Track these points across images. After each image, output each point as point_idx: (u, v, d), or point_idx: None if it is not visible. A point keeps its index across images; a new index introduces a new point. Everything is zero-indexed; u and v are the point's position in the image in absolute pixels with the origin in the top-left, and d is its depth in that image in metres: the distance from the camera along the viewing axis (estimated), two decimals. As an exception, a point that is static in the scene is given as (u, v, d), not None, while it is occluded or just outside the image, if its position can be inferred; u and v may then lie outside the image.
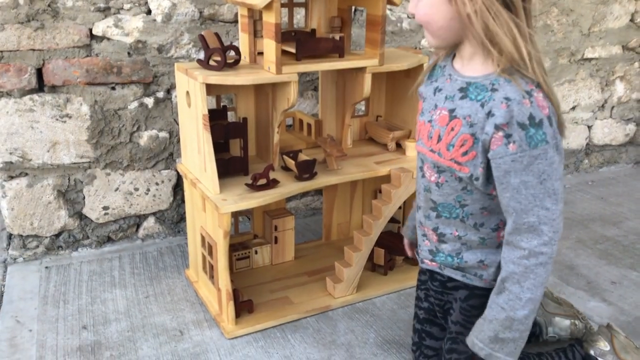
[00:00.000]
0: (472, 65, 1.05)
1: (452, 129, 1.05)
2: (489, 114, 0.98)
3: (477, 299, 1.14)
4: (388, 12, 2.02)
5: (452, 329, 1.17)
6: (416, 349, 1.29)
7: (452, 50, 1.11)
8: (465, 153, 1.03)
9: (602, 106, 2.58)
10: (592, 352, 1.29)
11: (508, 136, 0.97)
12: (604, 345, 1.32)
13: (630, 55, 2.55)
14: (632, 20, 2.48)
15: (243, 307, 1.49)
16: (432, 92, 1.12)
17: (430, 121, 1.10)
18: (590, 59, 2.47)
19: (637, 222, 2.10)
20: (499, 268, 1.09)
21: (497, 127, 0.97)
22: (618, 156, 2.70)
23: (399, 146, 1.72)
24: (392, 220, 1.74)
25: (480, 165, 1.02)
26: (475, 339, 1.08)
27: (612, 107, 2.61)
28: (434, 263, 1.19)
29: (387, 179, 1.58)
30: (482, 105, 1.00)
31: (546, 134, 0.96)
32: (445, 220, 1.13)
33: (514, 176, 0.98)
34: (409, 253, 1.43)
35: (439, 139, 1.07)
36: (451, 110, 1.05)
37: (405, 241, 1.43)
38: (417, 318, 1.29)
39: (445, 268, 1.17)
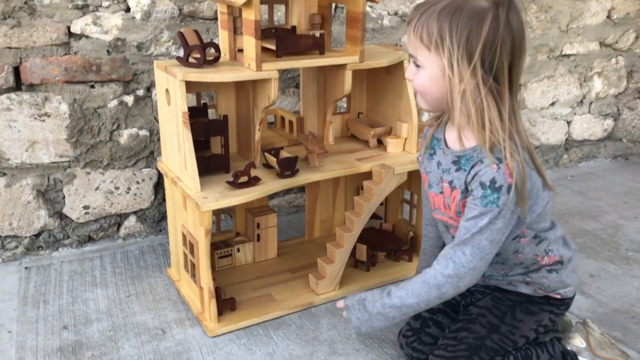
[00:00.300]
0: (463, 136, 1.13)
1: (454, 199, 1.15)
2: (475, 173, 1.09)
3: (515, 296, 1.24)
4: (368, 9, 2.03)
5: (473, 311, 1.24)
6: (412, 334, 1.30)
7: (441, 117, 1.22)
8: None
9: (581, 102, 2.62)
10: (569, 349, 1.31)
11: (470, 191, 1.10)
12: (579, 342, 1.34)
13: (607, 51, 2.58)
14: (608, 16, 2.52)
15: (225, 305, 1.49)
16: (436, 166, 1.21)
17: (441, 192, 1.20)
18: (568, 55, 2.51)
19: (615, 216, 2.13)
20: (543, 278, 1.21)
21: (468, 183, 1.10)
22: (597, 151, 2.74)
23: (380, 143, 1.73)
24: (374, 216, 1.75)
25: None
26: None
27: (591, 103, 2.64)
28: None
29: (368, 175, 1.58)
30: (469, 171, 1.11)
31: (499, 198, 1.05)
32: (490, 267, 1.18)
33: (467, 213, 1.10)
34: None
35: (449, 208, 1.18)
36: (450, 182, 1.16)
37: None
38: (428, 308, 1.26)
39: (490, 280, 1.27)
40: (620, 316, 1.51)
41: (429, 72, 1.09)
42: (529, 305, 1.23)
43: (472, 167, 1.10)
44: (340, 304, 1.22)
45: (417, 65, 1.11)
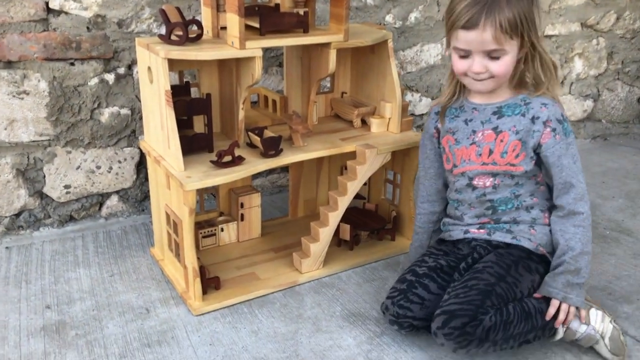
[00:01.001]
0: (494, 94, 1.33)
1: (502, 141, 1.31)
2: (533, 118, 1.28)
3: (517, 251, 1.32)
4: (352, -13, 2.01)
5: (478, 266, 1.30)
6: (398, 294, 1.33)
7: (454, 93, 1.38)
8: (517, 155, 1.30)
9: (562, 82, 2.64)
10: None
11: (553, 130, 1.27)
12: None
13: (588, 32, 2.60)
14: (591, -3, 2.53)
15: (210, 283, 1.49)
16: (464, 123, 1.36)
17: (473, 143, 1.34)
18: (550, 36, 2.52)
19: (594, 196, 2.17)
20: (545, 236, 1.34)
21: (545, 124, 1.27)
22: (577, 131, 2.77)
23: (364, 122, 1.73)
24: (358, 196, 1.76)
25: (531, 161, 1.30)
26: (550, 288, 1.27)
27: (571, 84, 2.67)
28: (482, 230, 1.37)
29: (352, 155, 1.59)
30: (523, 115, 1.29)
31: (569, 126, 1.30)
32: (502, 212, 1.36)
33: (564, 158, 1.28)
34: None
35: (491, 152, 1.32)
36: (494, 128, 1.32)
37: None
38: (412, 272, 1.36)
39: (495, 232, 1.36)
40: (598, 293, 1.55)
41: (511, 55, 1.24)
42: (528, 262, 1.32)
43: (535, 110, 1.28)
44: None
45: (494, 57, 1.24)
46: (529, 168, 1.31)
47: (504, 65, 1.25)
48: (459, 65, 1.28)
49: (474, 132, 1.35)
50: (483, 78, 1.27)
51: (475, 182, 1.36)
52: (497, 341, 1.22)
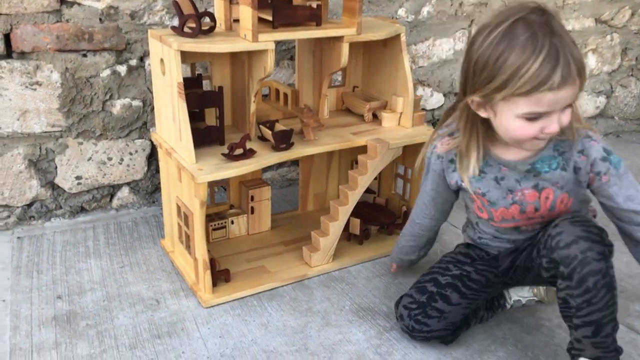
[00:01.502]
0: (520, 147, 1.16)
1: (547, 198, 1.19)
2: (575, 169, 1.16)
3: None
4: (365, -20, 2.00)
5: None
6: (416, 307, 1.28)
7: (477, 147, 1.20)
8: (567, 205, 1.20)
9: (575, 79, 2.61)
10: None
11: (597, 174, 1.16)
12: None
13: (602, 28, 2.58)
14: (605, -7, 2.51)
15: (220, 276, 1.49)
16: (495, 182, 1.22)
17: (514, 203, 1.21)
18: (564, 32, 2.49)
19: (606, 193, 2.15)
20: None
21: (589, 173, 1.16)
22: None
23: (375, 117, 1.72)
24: (368, 190, 1.76)
25: (583, 198, 1.23)
26: None
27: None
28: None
29: (363, 149, 1.58)
30: (564, 169, 1.16)
31: (616, 156, 1.16)
32: None
33: (624, 190, 1.16)
34: (393, 270, 1.59)
35: (537, 210, 1.21)
36: (535, 186, 1.19)
37: (394, 265, 1.57)
38: (434, 282, 1.30)
39: None
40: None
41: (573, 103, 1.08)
42: None
43: (573, 161, 1.15)
44: None
45: (567, 107, 1.06)
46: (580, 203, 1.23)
47: (570, 113, 1.07)
48: (529, 130, 1.06)
49: (511, 191, 1.20)
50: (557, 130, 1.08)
51: (522, 229, 1.26)
52: None
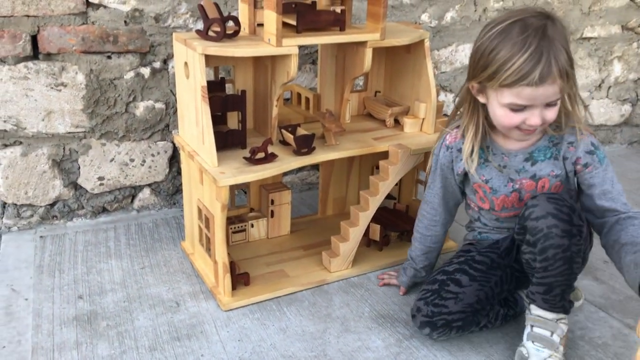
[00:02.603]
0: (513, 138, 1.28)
1: (543, 187, 1.30)
2: (564, 159, 1.27)
3: None
4: (389, -15, 1.99)
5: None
6: (431, 294, 1.32)
7: (476, 129, 1.30)
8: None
9: (599, 86, 2.58)
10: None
11: (584, 165, 1.27)
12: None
13: (629, 35, 2.54)
14: (632, -1, 2.47)
15: (239, 279, 1.50)
16: (497, 171, 1.32)
17: (514, 191, 1.32)
18: (589, 39, 2.46)
19: (631, 203, 2.11)
20: None
21: (574, 164, 1.27)
22: (613, 136, 2.71)
23: (397, 122, 1.72)
24: (388, 196, 1.74)
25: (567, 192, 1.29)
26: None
27: (609, 87, 2.61)
28: None
29: (384, 155, 1.58)
30: (556, 158, 1.28)
31: (602, 152, 1.28)
32: None
33: (604, 184, 1.27)
34: (402, 293, 1.54)
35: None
36: (532, 176, 1.29)
37: (402, 288, 1.54)
38: (442, 272, 1.36)
39: None
40: (634, 303, 1.51)
41: (559, 99, 1.18)
42: None
43: (563, 151, 1.27)
44: None
45: (552, 104, 1.17)
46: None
47: (556, 111, 1.19)
48: (513, 119, 1.19)
49: (512, 180, 1.31)
50: (537, 128, 1.22)
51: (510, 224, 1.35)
52: None
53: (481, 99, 1.26)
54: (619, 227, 1.24)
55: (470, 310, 1.30)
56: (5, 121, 1.68)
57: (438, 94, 1.69)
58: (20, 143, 1.72)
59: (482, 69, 1.19)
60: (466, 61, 2.24)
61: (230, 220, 1.68)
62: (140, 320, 1.40)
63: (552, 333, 1.26)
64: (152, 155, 1.88)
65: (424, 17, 2.11)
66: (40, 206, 1.80)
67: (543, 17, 1.16)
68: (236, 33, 1.44)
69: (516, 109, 1.17)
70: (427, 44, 1.61)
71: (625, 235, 1.22)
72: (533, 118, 1.18)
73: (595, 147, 1.28)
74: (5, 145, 1.71)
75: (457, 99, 1.37)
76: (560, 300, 1.24)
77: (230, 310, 1.44)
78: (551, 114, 1.19)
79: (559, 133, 1.27)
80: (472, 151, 1.31)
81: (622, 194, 1.29)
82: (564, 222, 1.17)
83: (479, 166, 1.33)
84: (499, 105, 1.19)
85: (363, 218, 1.57)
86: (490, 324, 1.37)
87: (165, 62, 1.80)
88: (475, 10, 2.19)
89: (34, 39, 1.65)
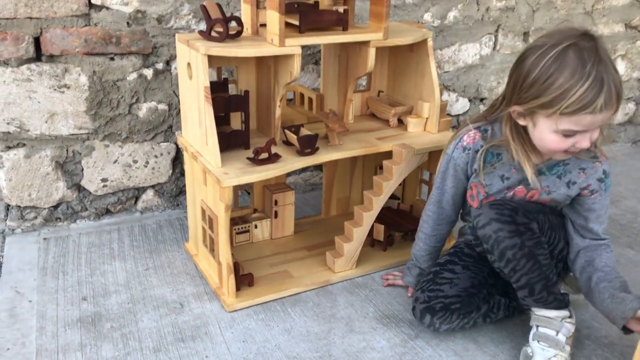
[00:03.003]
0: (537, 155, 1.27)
1: (531, 197, 1.32)
2: (569, 183, 1.29)
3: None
4: (391, -15, 1.99)
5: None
6: (426, 282, 1.37)
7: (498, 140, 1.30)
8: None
9: (603, 85, 2.57)
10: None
11: (591, 192, 1.29)
12: None
13: (632, 33, 2.53)
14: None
15: (243, 280, 1.49)
16: (500, 180, 1.32)
17: (504, 197, 1.32)
18: (592, 37, 2.45)
19: (635, 201, 2.11)
20: None
21: (581, 189, 1.29)
22: (617, 135, 2.70)
23: (400, 122, 1.71)
24: (392, 196, 1.74)
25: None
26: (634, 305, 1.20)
27: (613, 86, 2.59)
28: None
29: (388, 155, 1.57)
30: (559, 177, 1.29)
31: (609, 180, 1.31)
32: None
33: (599, 211, 1.32)
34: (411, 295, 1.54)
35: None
36: (526, 185, 1.29)
37: (410, 289, 1.54)
38: (435, 265, 1.42)
39: None
40: None
41: None
42: None
43: (572, 175, 1.28)
44: None
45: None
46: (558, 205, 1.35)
47: (599, 131, 1.18)
48: (563, 144, 1.17)
49: (509, 187, 1.32)
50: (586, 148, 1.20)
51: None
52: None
53: (521, 122, 1.22)
54: (596, 252, 1.31)
55: (465, 294, 1.33)
56: (8, 123, 1.68)
57: (441, 94, 1.69)
58: (24, 145, 1.72)
59: (534, 97, 1.14)
60: (469, 60, 2.24)
61: (234, 221, 1.68)
62: (144, 322, 1.39)
63: (557, 332, 1.25)
64: (155, 156, 1.88)
65: (427, 17, 2.11)
66: (44, 208, 1.80)
67: (590, 39, 1.13)
68: (239, 33, 1.43)
69: (569, 134, 1.15)
70: (430, 43, 1.60)
71: (600, 262, 1.30)
72: (584, 141, 1.16)
73: (606, 175, 1.29)
74: (9, 147, 1.71)
75: (488, 113, 1.34)
76: (548, 295, 1.26)
77: (235, 311, 1.44)
78: (596, 134, 1.17)
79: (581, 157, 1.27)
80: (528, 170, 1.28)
81: (607, 219, 1.35)
82: (508, 223, 1.22)
83: (486, 172, 1.32)
84: (552, 131, 1.15)
85: (367, 218, 1.56)
86: (493, 313, 1.37)
87: (168, 63, 1.80)
88: (478, 10, 2.18)
89: (37, 41, 1.64)
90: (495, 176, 1.32)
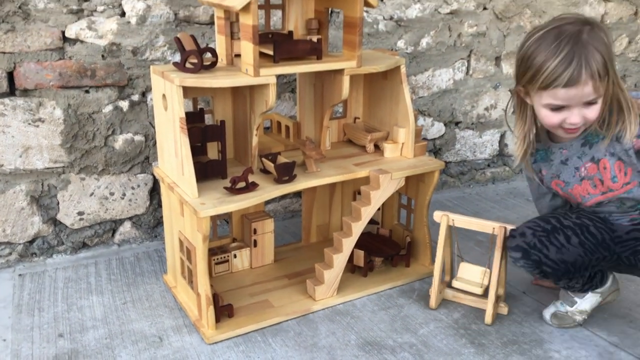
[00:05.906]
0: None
1: (605, 167, 1.34)
2: (617, 137, 1.30)
3: None
4: (364, 14, 2.03)
5: None
6: (542, 231, 1.38)
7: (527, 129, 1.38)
8: (625, 174, 1.33)
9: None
10: None
11: (638, 136, 1.29)
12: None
13: (600, 56, 2.59)
14: (602, 21, 2.53)
15: (223, 311, 1.48)
16: (562, 165, 1.39)
17: (583, 179, 1.37)
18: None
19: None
20: None
21: (632, 137, 1.29)
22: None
23: (377, 147, 1.73)
24: (371, 221, 1.75)
25: (638, 174, 1.32)
26: None
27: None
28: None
29: (365, 180, 1.58)
30: (609, 138, 1.31)
31: None
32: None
33: None
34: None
35: (602, 182, 1.35)
36: (592, 159, 1.35)
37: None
38: (557, 219, 1.41)
39: None
40: (618, 321, 1.52)
41: (602, 98, 1.25)
42: None
43: (611, 132, 1.30)
44: None
45: (591, 103, 1.24)
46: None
47: (598, 110, 1.26)
48: (553, 119, 1.28)
49: (577, 168, 1.37)
50: (579, 127, 1.28)
51: (605, 203, 1.39)
52: None
53: (528, 101, 1.34)
54: None
55: (564, 267, 1.36)
56: (-19, 158, 1.66)
57: (417, 119, 1.71)
58: (-2, 180, 1.70)
59: (523, 74, 1.28)
60: (443, 85, 2.29)
61: (212, 252, 1.67)
62: (122, 357, 1.37)
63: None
64: (132, 188, 1.86)
65: (400, 44, 2.15)
66: (19, 243, 1.77)
67: (580, 24, 1.23)
68: (214, 64, 1.44)
69: (555, 108, 1.25)
70: (403, 69, 1.63)
71: None
72: (572, 117, 1.25)
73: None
74: (-18, 183, 1.69)
75: (510, 104, 1.44)
76: None
77: (215, 343, 1.42)
78: (591, 113, 1.25)
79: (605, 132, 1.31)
80: (525, 152, 1.40)
81: None
82: None
83: (546, 167, 1.42)
84: (540, 105, 1.28)
85: (347, 244, 1.56)
86: (577, 284, 1.44)
87: (143, 94, 1.80)
88: (450, 36, 2.23)
89: (10, 75, 1.64)
90: (557, 165, 1.39)
